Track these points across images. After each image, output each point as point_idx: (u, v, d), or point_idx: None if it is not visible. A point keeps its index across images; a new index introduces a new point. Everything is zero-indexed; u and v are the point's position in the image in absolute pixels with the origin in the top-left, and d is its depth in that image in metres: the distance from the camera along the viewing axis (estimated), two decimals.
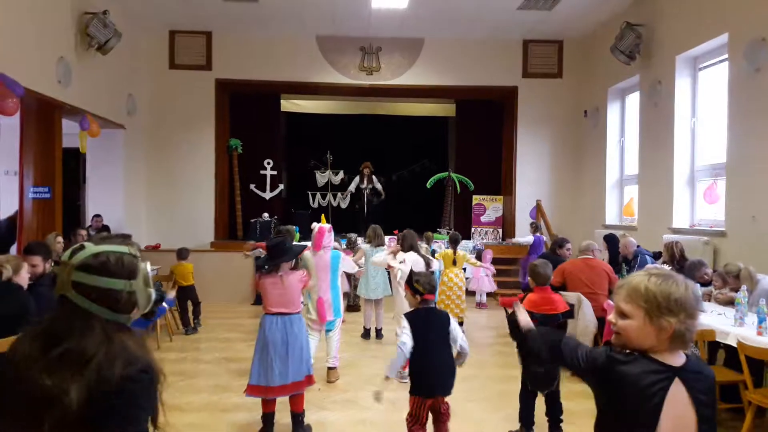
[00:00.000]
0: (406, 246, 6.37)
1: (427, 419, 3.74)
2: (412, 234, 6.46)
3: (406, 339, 3.64)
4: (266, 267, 4.38)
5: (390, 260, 6.41)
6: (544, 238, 10.41)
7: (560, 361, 2.03)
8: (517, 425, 4.41)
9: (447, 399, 3.79)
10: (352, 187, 12.48)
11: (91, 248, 1.55)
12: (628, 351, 1.80)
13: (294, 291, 4.35)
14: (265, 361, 4.19)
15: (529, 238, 10.08)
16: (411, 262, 6.08)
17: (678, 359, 1.77)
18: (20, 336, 1.55)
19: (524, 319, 2.58)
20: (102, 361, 1.45)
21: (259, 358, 4.23)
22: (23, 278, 4.44)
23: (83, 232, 7.92)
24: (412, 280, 3.87)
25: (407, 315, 3.80)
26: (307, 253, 5.62)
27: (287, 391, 4.20)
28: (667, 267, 5.69)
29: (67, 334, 1.47)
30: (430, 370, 3.66)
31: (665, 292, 1.74)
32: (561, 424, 4.25)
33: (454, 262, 7.53)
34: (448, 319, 3.79)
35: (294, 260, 4.53)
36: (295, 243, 4.90)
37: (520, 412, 4.37)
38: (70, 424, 1.40)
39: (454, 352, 3.76)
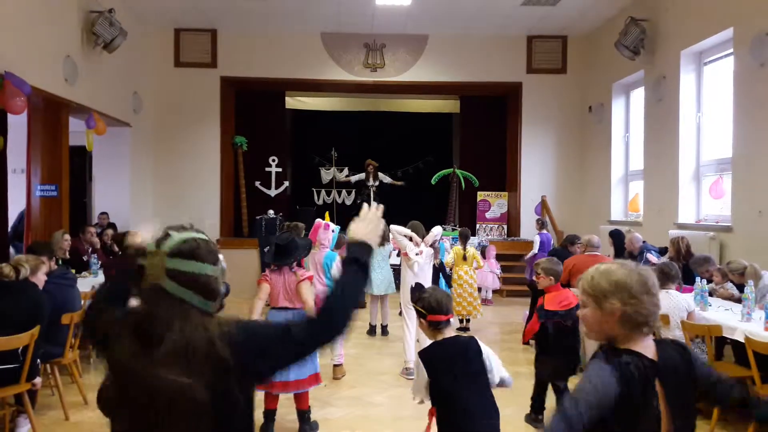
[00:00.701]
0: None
1: None
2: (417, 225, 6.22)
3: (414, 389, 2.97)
4: (273, 265, 4.39)
5: (409, 248, 5.93)
6: (551, 234, 10.41)
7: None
8: (522, 421, 4.46)
9: None
10: (353, 178, 12.43)
11: (178, 235, 1.57)
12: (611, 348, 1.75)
13: (299, 287, 4.35)
14: None
15: (537, 238, 10.04)
16: (428, 255, 5.94)
17: (646, 348, 1.73)
18: (114, 334, 1.54)
19: None
20: (207, 345, 1.47)
21: None
22: (40, 279, 4.50)
23: (92, 230, 7.96)
24: (414, 298, 3.13)
25: (420, 354, 2.95)
26: None
27: (290, 388, 4.20)
28: (673, 262, 5.68)
29: (167, 326, 1.47)
30: (465, 418, 2.71)
31: (606, 275, 1.77)
32: None
33: (465, 258, 7.51)
34: (478, 346, 2.86)
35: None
36: (306, 240, 4.89)
37: (532, 400, 4.51)
38: (198, 416, 1.42)
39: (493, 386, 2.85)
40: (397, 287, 6.90)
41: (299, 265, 4.50)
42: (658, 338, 1.80)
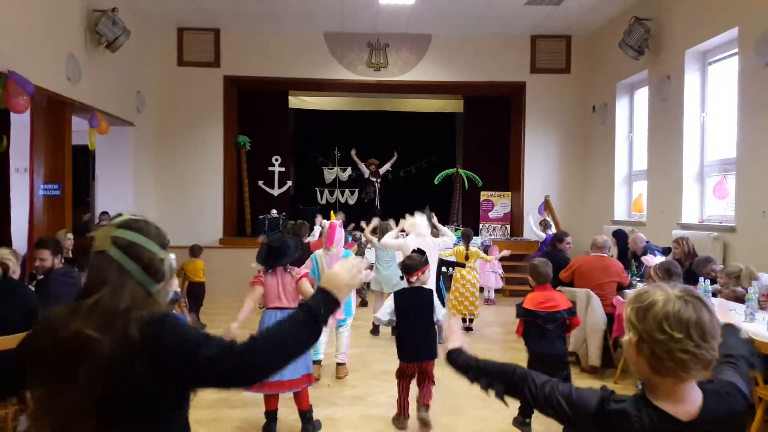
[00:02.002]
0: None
1: (412, 376, 4.43)
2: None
3: (380, 314, 4.55)
4: (268, 267, 4.38)
5: (396, 241, 6.50)
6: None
7: (522, 398, 1.69)
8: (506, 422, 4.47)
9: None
10: (357, 170, 12.39)
11: (126, 215, 1.67)
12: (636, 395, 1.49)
13: (293, 287, 4.34)
14: None
15: (541, 235, 10.01)
16: (413, 242, 6.08)
17: (688, 404, 1.41)
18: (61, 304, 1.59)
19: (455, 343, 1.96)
20: (132, 318, 1.48)
21: None
22: (17, 273, 4.47)
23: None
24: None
25: (394, 293, 4.62)
26: (318, 252, 5.64)
27: (284, 387, 4.18)
28: (674, 261, 5.66)
29: (100, 286, 1.53)
30: (410, 340, 4.43)
31: (636, 297, 1.48)
32: None
33: (467, 258, 7.50)
34: (431, 297, 4.51)
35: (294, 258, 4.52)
36: (294, 239, 4.89)
37: (521, 402, 4.43)
38: (105, 376, 1.43)
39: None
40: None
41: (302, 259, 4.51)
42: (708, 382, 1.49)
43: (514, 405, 4.63)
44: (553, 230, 10.08)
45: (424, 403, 4.41)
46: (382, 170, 12.16)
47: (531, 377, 1.64)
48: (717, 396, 1.46)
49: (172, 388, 1.52)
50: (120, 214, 1.68)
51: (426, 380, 4.43)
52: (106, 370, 1.43)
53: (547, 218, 10.70)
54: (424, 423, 4.38)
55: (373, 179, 12.10)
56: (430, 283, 5.76)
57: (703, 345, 1.37)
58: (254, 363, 1.55)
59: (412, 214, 6.62)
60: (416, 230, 6.33)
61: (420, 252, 4.67)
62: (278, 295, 4.31)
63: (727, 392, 1.48)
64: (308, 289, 4.33)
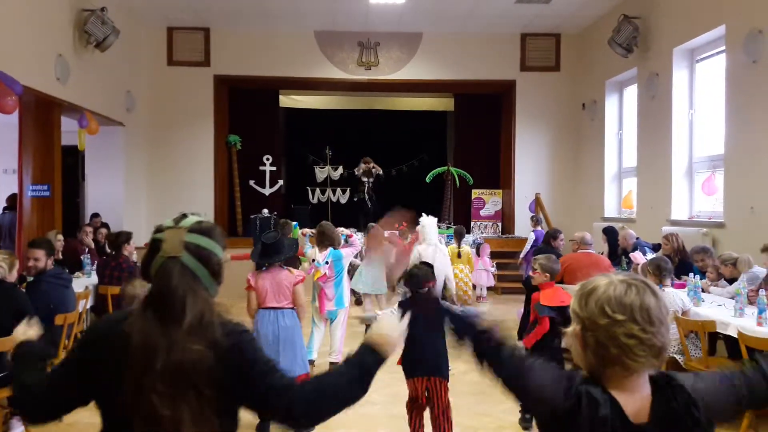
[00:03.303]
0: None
1: (426, 402, 3.81)
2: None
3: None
4: (262, 266, 4.37)
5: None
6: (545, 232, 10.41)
7: (494, 361, 1.54)
8: (517, 418, 4.46)
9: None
10: (356, 173, 12.25)
11: (193, 216, 1.63)
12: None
13: (286, 287, 4.32)
14: None
15: (531, 235, 10.04)
16: (424, 252, 5.95)
17: (636, 396, 1.33)
18: (126, 316, 1.54)
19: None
20: (214, 324, 1.50)
21: None
22: (14, 276, 4.44)
23: (88, 229, 7.93)
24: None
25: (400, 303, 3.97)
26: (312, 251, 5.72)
27: None
28: (665, 257, 5.71)
29: (179, 296, 1.49)
30: (419, 354, 3.71)
31: (581, 286, 1.41)
32: None
33: (459, 256, 7.49)
34: (440, 306, 3.69)
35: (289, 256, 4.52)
36: (290, 238, 4.89)
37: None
38: (217, 387, 1.46)
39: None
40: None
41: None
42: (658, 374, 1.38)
43: (516, 409, 4.67)
44: (543, 226, 10.13)
45: None
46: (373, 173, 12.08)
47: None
48: (669, 391, 1.34)
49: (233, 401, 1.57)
50: (185, 215, 1.63)
51: (439, 413, 3.80)
52: (220, 381, 1.47)
53: (538, 216, 10.75)
54: None
55: (365, 179, 12.09)
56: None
57: (649, 329, 1.30)
58: (304, 411, 1.59)
59: (419, 215, 6.38)
60: (427, 239, 6.03)
61: (427, 264, 4.22)
62: (272, 294, 4.30)
63: (681, 384, 1.35)
64: (301, 295, 4.33)
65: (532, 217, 10.41)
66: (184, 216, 1.62)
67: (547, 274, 4.36)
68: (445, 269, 5.85)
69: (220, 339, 1.49)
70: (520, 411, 4.43)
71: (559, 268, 4.47)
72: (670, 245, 6.42)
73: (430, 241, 6.02)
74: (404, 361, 3.84)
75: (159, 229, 1.60)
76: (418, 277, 3.89)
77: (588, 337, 1.35)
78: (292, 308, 4.33)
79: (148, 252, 1.58)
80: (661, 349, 1.32)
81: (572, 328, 1.39)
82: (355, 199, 12.19)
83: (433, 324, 3.65)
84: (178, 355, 1.43)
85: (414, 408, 3.87)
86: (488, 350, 1.54)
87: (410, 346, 3.66)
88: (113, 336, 1.50)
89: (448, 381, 3.83)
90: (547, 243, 7.30)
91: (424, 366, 3.79)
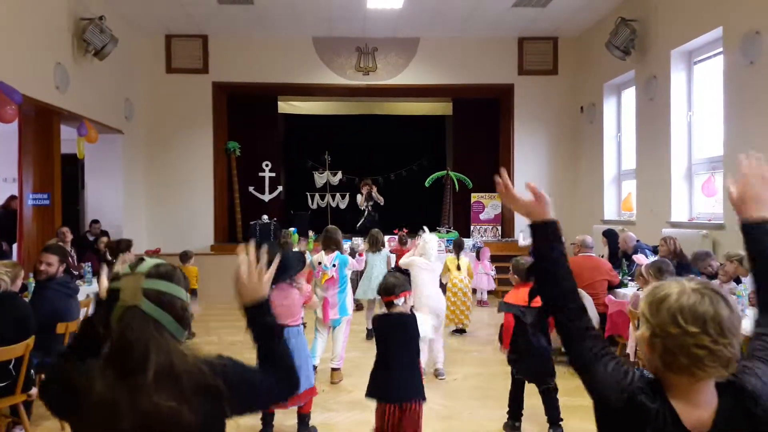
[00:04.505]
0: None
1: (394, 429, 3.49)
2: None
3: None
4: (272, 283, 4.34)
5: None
6: None
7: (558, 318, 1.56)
8: (520, 422, 4.45)
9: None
10: (359, 200, 11.85)
11: (152, 259, 1.56)
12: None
13: (294, 305, 4.29)
14: None
15: (529, 241, 9.98)
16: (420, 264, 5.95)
17: (701, 409, 1.32)
18: (81, 371, 1.46)
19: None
20: (193, 372, 1.44)
21: None
22: (17, 286, 4.44)
23: (65, 230, 7.90)
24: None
25: (372, 319, 4.02)
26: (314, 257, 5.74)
27: (286, 404, 4.18)
28: (666, 259, 5.70)
29: (146, 349, 1.40)
30: (391, 375, 3.57)
31: (651, 291, 1.40)
32: (560, 423, 4.25)
33: (459, 268, 7.49)
34: (415, 323, 3.66)
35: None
36: (295, 251, 4.89)
37: (509, 405, 4.45)
38: None
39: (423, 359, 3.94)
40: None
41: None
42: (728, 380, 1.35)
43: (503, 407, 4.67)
44: None
45: None
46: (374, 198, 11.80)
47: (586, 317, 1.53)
48: (736, 400, 1.33)
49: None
50: (142, 259, 1.56)
51: None
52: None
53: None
54: None
55: (365, 204, 11.60)
56: (434, 298, 5.84)
57: (721, 341, 1.28)
58: (284, 375, 1.67)
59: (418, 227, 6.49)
60: (427, 254, 5.95)
61: (404, 272, 4.25)
62: (278, 312, 4.25)
63: (751, 392, 1.34)
64: (308, 299, 4.40)
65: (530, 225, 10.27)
66: (142, 260, 1.55)
67: (515, 276, 4.55)
68: (426, 287, 5.80)
69: (217, 384, 1.44)
70: (508, 414, 4.43)
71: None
72: (666, 248, 6.39)
73: (429, 257, 5.99)
74: (374, 386, 3.67)
75: (116, 277, 1.52)
76: (388, 287, 3.68)
77: (656, 343, 1.34)
78: (298, 326, 4.31)
79: (107, 302, 1.50)
80: (731, 360, 1.31)
81: (641, 332, 1.38)
82: (357, 227, 11.82)
83: (407, 343, 3.63)
84: (146, 413, 1.36)
85: None
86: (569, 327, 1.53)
87: (383, 370, 3.63)
88: (77, 395, 1.43)
89: (424, 401, 3.63)
90: None
91: (400, 391, 3.57)
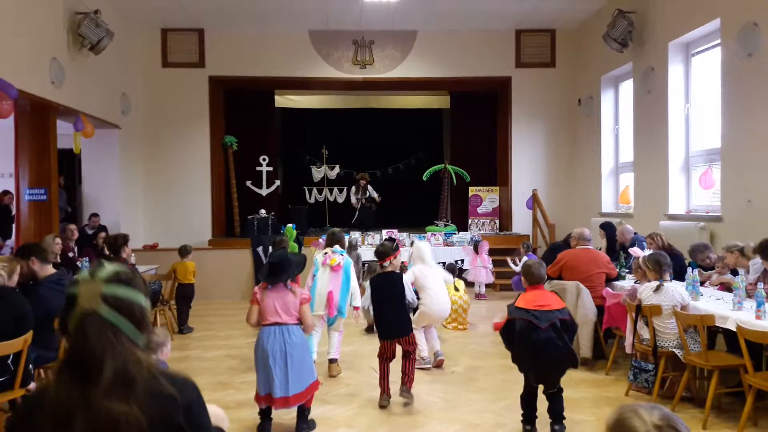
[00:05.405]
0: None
1: (392, 356, 4.83)
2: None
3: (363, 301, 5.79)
4: (269, 283, 4.33)
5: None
6: (537, 257, 10.21)
7: None
8: (517, 414, 4.40)
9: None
10: (353, 200, 12.00)
11: (112, 265, 1.54)
12: None
13: (293, 304, 4.29)
14: (266, 373, 4.16)
15: (524, 259, 9.80)
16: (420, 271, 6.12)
17: None
18: (42, 383, 1.48)
19: None
20: (148, 379, 1.42)
21: (260, 369, 4.22)
22: (14, 281, 4.43)
23: (72, 227, 7.92)
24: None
25: (370, 279, 5.22)
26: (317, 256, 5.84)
27: (290, 403, 4.16)
28: (662, 252, 5.70)
29: (103, 354, 1.40)
30: (386, 320, 4.90)
31: (615, 422, 1.40)
32: (564, 421, 4.23)
33: (456, 289, 7.61)
34: (400, 279, 5.03)
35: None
36: (294, 253, 4.89)
37: (522, 408, 4.35)
38: None
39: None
40: None
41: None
42: None
43: (515, 406, 4.67)
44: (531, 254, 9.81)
45: (407, 389, 4.84)
46: (369, 192, 11.83)
47: None
48: None
49: None
50: (101, 264, 1.53)
51: (407, 361, 4.86)
52: None
53: (535, 214, 10.64)
54: (407, 401, 4.86)
55: (358, 197, 11.70)
56: (441, 302, 6.00)
57: None
58: None
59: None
60: (422, 258, 6.11)
61: (390, 239, 5.24)
62: (275, 311, 4.26)
63: None
64: (308, 316, 4.35)
65: (523, 244, 9.99)
66: (101, 266, 1.53)
67: (526, 280, 4.37)
68: (439, 285, 6.13)
69: (170, 390, 1.42)
70: (522, 416, 4.37)
71: (543, 274, 4.40)
72: (654, 244, 6.37)
73: (427, 262, 6.14)
74: (377, 328, 4.97)
75: (74, 283, 1.50)
76: (382, 253, 5.01)
77: None
78: (298, 323, 4.32)
79: (65, 308, 1.48)
80: None
81: None
82: (353, 222, 11.79)
83: (395, 294, 4.90)
84: (98, 416, 1.35)
85: (383, 360, 4.83)
86: None
87: (380, 317, 4.94)
88: (39, 409, 1.41)
89: (411, 333, 4.92)
90: (566, 243, 7.22)
91: (393, 331, 4.83)
